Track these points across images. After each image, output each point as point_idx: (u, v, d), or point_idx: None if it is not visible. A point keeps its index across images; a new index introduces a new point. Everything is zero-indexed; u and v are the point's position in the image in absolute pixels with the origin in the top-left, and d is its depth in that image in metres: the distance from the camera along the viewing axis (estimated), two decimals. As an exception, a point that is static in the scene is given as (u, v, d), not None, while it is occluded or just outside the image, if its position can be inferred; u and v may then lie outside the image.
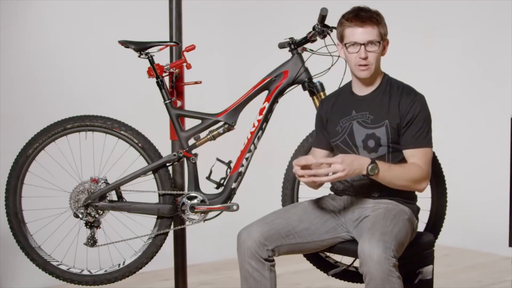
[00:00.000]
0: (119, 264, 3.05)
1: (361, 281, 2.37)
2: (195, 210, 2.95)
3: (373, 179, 2.46)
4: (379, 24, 2.54)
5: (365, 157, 2.46)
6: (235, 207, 2.94)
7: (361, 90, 2.64)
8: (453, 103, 5.16)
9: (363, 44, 2.52)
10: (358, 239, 2.41)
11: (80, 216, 2.94)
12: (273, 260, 2.54)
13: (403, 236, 2.41)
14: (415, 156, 2.52)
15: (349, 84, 2.71)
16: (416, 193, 2.67)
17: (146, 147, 3.00)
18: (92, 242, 2.97)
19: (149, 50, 2.97)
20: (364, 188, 2.60)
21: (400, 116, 2.53)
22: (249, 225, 2.56)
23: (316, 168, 2.40)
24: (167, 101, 2.99)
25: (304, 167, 2.42)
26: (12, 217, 3.01)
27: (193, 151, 2.99)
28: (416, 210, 2.66)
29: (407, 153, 2.54)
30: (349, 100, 2.66)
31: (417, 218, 2.67)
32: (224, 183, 2.97)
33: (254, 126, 2.96)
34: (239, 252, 2.53)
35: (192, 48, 3.01)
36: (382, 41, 2.56)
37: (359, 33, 2.52)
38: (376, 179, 2.45)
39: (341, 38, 2.59)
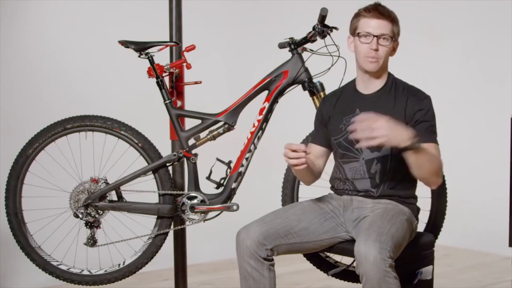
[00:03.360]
0: (119, 264, 3.05)
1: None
2: (195, 210, 2.95)
3: (408, 156, 2.34)
4: (394, 23, 2.59)
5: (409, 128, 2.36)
6: (235, 207, 2.94)
7: (366, 89, 2.64)
8: (453, 103, 5.16)
9: (376, 36, 2.55)
10: (356, 239, 2.41)
11: (80, 216, 2.94)
12: (272, 260, 2.54)
13: (401, 236, 2.41)
14: (430, 147, 2.46)
15: (352, 82, 2.71)
16: (416, 193, 2.67)
17: (146, 147, 3.00)
18: (92, 242, 2.97)
19: (149, 50, 2.97)
20: (364, 187, 2.60)
21: (406, 115, 2.53)
22: (248, 225, 2.57)
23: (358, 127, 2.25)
24: (167, 101, 2.99)
25: (294, 151, 2.42)
26: (12, 217, 3.01)
27: (193, 151, 2.99)
28: (416, 211, 2.65)
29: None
30: (353, 98, 2.66)
31: (417, 219, 2.67)
32: (224, 183, 2.97)
33: (254, 126, 2.96)
34: (238, 251, 2.54)
35: (192, 48, 3.01)
36: (394, 40, 2.58)
37: (374, 24, 2.55)
38: (412, 156, 2.34)
39: (354, 29, 2.61)
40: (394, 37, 2.58)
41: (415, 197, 2.67)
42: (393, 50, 2.61)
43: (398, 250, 2.38)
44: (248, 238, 2.50)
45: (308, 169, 2.58)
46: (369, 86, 2.63)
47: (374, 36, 2.54)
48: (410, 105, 2.54)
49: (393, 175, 2.57)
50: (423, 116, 2.52)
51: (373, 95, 2.62)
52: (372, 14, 2.56)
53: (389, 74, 2.65)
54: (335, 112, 2.69)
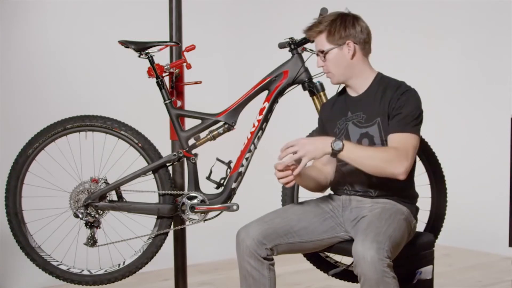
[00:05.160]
0: (119, 264, 3.05)
1: (361, 281, 2.37)
2: (195, 210, 2.95)
3: (345, 160, 2.44)
4: (324, 32, 2.59)
5: (330, 137, 2.46)
6: (235, 207, 2.94)
7: (354, 91, 2.66)
8: (453, 103, 5.17)
9: (317, 53, 2.63)
10: (354, 239, 2.41)
11: (80, 216, 2.94)
12: (272, 259, 2.54)
13: (398, 236, 2.40)
14: (393, 140, 2.49)
15: (345, 87, 2.72)
16: (417, 191, 2.67)
17: (146, 147, 3.00)
18: (92, 242, 2.97)
19: (149, 50, 2.97)
20: (363, 187, 2.61)
21: (389, 108, 2.53)
22: (248, 224, 2.57)
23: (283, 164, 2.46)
24: (167, 101, 2.99)
25: (282, 171, 2.48)
26: (12, 217, 3.01)
27: (193, 151, 2.99)
28: (415, 211, 2.65)
29: (389, 138, 2.52)
30: (345, 102, 2.69)
31: (416, 219, 2.66)
32: (224, 183, 2.97)
33: (254, 126, 2.96)
34: (238, 251, 2.54)
35: (192, 48, 3.01)
36: (338, 46, 2.57)
37: (314, 43, 2.65)
38: (343, 158, 2.43)
39: None
40: (337, 43, 2.56)
41: (415, 196, 2.66)
42: (347, 53, 2.57)
43: (396, 250, 2.38)
44: (248, 238, 2.51)
45: (307, 180, 2.63)
46: (356, 89, 2.65)
47: (317, 54, 2.63)
48: (393, 99, 2.53)
49: None
50: (398, 109, 2.50)
51: (361, 96, 2.63)
52: (308, 35, 2.65)
53: (377, 74, 2.65)
54: (331, 117, 2.71)
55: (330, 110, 2.73)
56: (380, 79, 2.63)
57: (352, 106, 2.64)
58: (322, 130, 2.76)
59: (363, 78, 2.62)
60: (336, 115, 2.68)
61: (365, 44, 2.60)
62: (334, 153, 2.41)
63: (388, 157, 2.42)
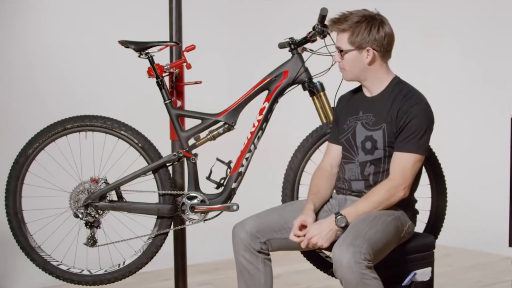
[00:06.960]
0: (119, 264, 3.05)
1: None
2: (195, 210, 2.95)
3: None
4: (347, 32, 2.53)
5: (329, 216, 2.46)
6: (235, 207, 2.94)
7: (369, 91, 2.64)
8: (453, 103, 5.17)
9: (336, 49, 2.60)
10: None
11: (80, 216, 2.94)
12: (267, 254, 2.56)
13: (381, 238, 2.38)
14: (395, 160, 2.50)
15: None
16: (416, 193, 2.66)
17: (146, 147, 3.00)
18: (92, 242, 2.97)
19: (149, 50, 2.97)
20: (358, 188, 2.60)
21: (397, 118, 2.51)
22: (244, 219, 2.60)
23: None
24: (167, 101, 2.99)
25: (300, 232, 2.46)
26: (12, 217, 3.01)
27: (193, 151, 2.99)
28: (411, 214, 2.62)
29: (394, 154, 2.52)
30: (359, 100, 2.67)
31: (414, 221, 2.64)
32: (224, 183, 2.97)
33: (254, 126, 2.96)
34: (233, 245, 2.57)
35: (192, 48, 3.01)
36: (358, 49, 2.52)
37: (336, 37, 2.61)
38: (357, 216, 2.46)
39: None
40: (358, 47, 2.52)
41: (412, 200, 2.63)
42: (366, 58, 2.53)
43: (379, 252, 2.37)
44: (242, 231, 2.53)
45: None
46: (371, 90, 2.62)
47: (336, 48, 2.60)
48: (402, 109, 2.51)
49: (386, 177, 2.54)
50: (406, 122, 2.48)
51: (374, 98, 2.61)
52: (331, 29, 2.64)
53: (394, 77, 2.61)
54: (344, 112, 2.70)
55: (345, 104, 2.71)
56: (396, 83, 2.59)
57: (364, 106, 2.62)
58: (336, 122, 2.74)
59: (378, 81, 2.59)
60: (349, 111, 2.67)
61: (386, 52, 2.56)
62: (344, 227, 2.41)
63: (387, 194, 2.47)
